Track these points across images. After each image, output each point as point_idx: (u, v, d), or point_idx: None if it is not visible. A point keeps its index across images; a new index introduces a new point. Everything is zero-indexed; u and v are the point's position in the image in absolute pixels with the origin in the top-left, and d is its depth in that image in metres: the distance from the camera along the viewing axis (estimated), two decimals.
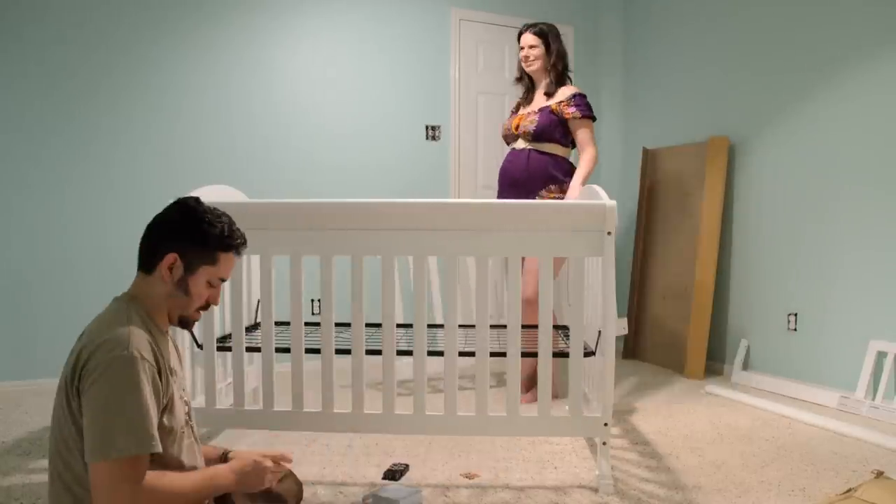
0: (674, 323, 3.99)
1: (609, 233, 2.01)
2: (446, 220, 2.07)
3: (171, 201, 1.42)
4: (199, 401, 2.24)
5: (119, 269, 3.51)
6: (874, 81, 3.00)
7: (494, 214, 2.06)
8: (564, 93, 3.06)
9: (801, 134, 3.36)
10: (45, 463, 2.25)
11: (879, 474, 1.91)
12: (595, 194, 2.23)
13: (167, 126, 3.61)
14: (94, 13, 3.45)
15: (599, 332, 2.16)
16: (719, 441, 2.57)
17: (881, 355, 2.95)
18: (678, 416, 2.94)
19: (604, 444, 2.07)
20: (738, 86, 3.74)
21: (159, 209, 1.41)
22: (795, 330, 3.37)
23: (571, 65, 3.25)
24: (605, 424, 2.06)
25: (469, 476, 2.17)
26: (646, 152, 4.36)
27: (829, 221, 3.21)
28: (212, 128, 3.71)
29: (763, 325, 3.57)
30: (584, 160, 3.00)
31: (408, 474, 2.17)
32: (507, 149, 3.21)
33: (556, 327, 2.77)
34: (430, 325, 2.67)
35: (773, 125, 3.52)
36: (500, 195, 3.20)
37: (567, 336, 2.54)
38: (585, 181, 2.94)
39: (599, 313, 2.14)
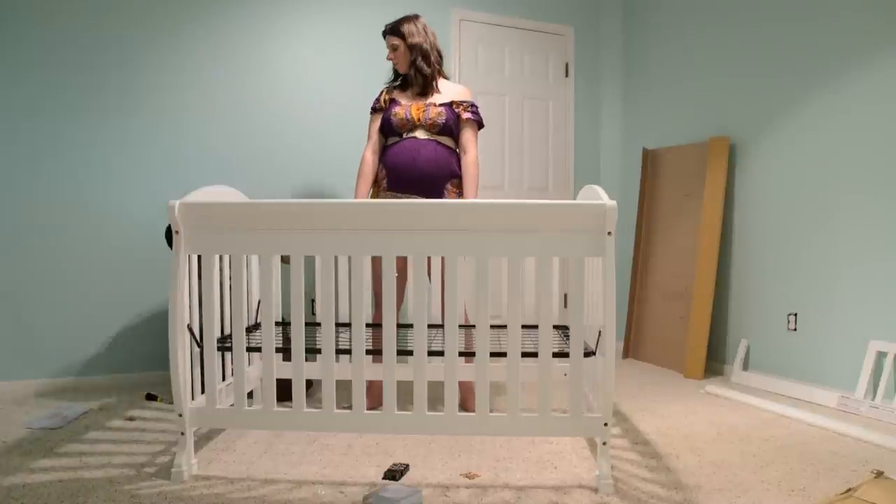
0: (674, 323, 3.99)
1: (609, 233, 2.02)
2: (446, 220, 2.07)
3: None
4: (199, 401, 2.24)
5: (120, 268, 3.54)
6: (875, 81, 3.00)
7: (494, 214, 2.07)
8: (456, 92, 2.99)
9: (802, 134, 3.36)
10: (45, 463, 2.25)
11: (879, 474, 1.91)
12: (595, 194, 2.23)
13: (167, 127, 3.61)
14: (91, 14, 3.46)
15: (599, 332, 2.16)
16: (719, 441, 2.57)
17: (881, 355, 2.95)
18: (678, 416, 2.94)
19: (604, 444, 2.07)
20: (738, 86, 3.74)
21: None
22: (795, 330, 3.38)
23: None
24: (605, 424, 2.06)
25: (469, 476, 2.17)
26: (646, 152, 4.37)
27: (829, 221, 3.21)
28: (212, 129, 3.71)
29: (763, 325, 3.57)
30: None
31: (408, 474, 2.18)
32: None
33: (556, 327, 2.77)
34: (430, 326, 2.68)
35: (773, 125, 3.52)
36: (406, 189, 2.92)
37: (566, 336, 2.54)
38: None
39: (599, 313, 2.14)
